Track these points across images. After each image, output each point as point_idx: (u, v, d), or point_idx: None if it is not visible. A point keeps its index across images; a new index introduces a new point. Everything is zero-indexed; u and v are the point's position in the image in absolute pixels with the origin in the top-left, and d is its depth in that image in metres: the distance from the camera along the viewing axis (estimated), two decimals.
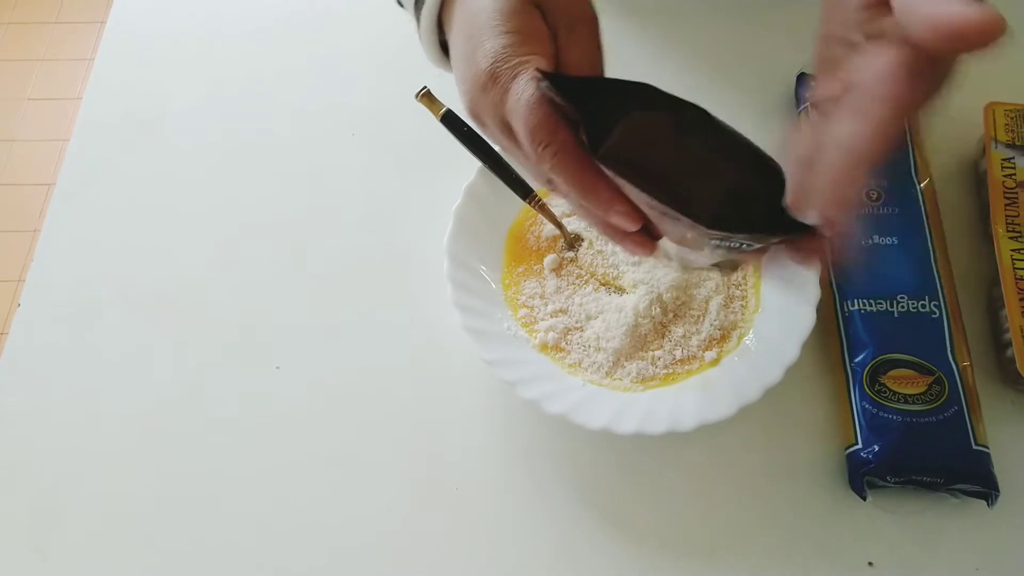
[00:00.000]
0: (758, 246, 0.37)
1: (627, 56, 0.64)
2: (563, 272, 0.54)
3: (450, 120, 0.51)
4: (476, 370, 0.52)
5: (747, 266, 0.53)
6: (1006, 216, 0.51)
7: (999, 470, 0.46)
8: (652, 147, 0.35)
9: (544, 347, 0.51)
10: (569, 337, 0.51)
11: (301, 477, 0.51)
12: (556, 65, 0.37)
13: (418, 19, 0.43)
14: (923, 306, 0.50)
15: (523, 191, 0.53)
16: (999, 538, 0.47)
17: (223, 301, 0.57)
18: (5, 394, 0.54)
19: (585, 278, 0.54)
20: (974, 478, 0.45)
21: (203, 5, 0.71)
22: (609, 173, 0.34)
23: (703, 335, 0.51)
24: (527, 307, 0.53)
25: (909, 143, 0.56)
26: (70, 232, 0.60)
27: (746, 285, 0.53)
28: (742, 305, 0.52)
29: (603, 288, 0.53)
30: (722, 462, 0.50)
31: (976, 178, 0.57)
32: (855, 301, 0.50)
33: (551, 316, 0.52)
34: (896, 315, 0.49)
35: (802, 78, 0.60)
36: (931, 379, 0.47)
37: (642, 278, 0.52)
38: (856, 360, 0.49)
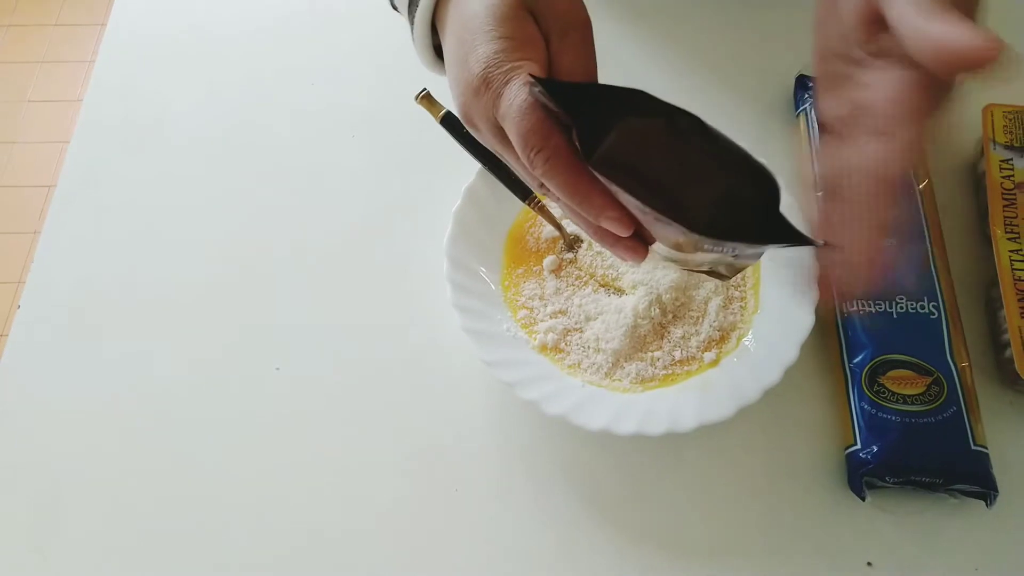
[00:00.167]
0: (750, 253, 0.37)
1: (625, 58, 0.65)
2: (562, 273, 0.54)
3: (450, 122, 0.52)
4: (476, 371, 0.52)
5: (745, 269, 0.53)
6: (1004, 217, 0.52)
7: (998, 470, 0.46)
8: (645, 153, 0.35)
9: (543, 348, 0.51)
10: (568, 338, 0.52)
11: (300, 477, 0.51)
12: (549, 70, 0.37)
13: (412, 22, 0.43)
14: (922, 307, 0.50)
15: (522, 193, 0.53)
16: (998, 538, 0.47)
17: (223, 302, 0.57)
18: (5, 395, 0.54)
19: (584, 279, 0.54)
20: (973, 478, 0.45)
21: (203, 7, 0.71)
22: (602, 179, 0.34)
23: (702, 336, 0.51)
24: (526, 308, 0.53)
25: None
26: (70, 234, 0.60)
27: (745, 286, 0.53)
28: (741, 306, 0.52)
29: (602, 289, 0.54)
30: (721, 463, 0.50)
31: (974, 179, 0.57)
32: (854, 302, 0.50)
33: (550, 317, 0.52)
34: (895, 316, 0.49)
35: (800, 80, 0.60)
36: (930, 380, 0.47)
37: (641, 279, 0.52)
38: (855, 361, 0.49)
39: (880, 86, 0.32)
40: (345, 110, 0.65)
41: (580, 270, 0.54)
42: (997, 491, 0.45)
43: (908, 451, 0.46)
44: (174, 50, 0.69)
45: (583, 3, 0.39)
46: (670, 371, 0.50)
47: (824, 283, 0.43)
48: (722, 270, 0.40)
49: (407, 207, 0.60)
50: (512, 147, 0.36)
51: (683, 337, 0.51)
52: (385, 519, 0.49)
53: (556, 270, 0.54)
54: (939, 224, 0.54)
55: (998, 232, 0.51)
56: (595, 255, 0.54)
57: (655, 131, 0.35)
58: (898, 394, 0.47)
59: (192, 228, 0.60)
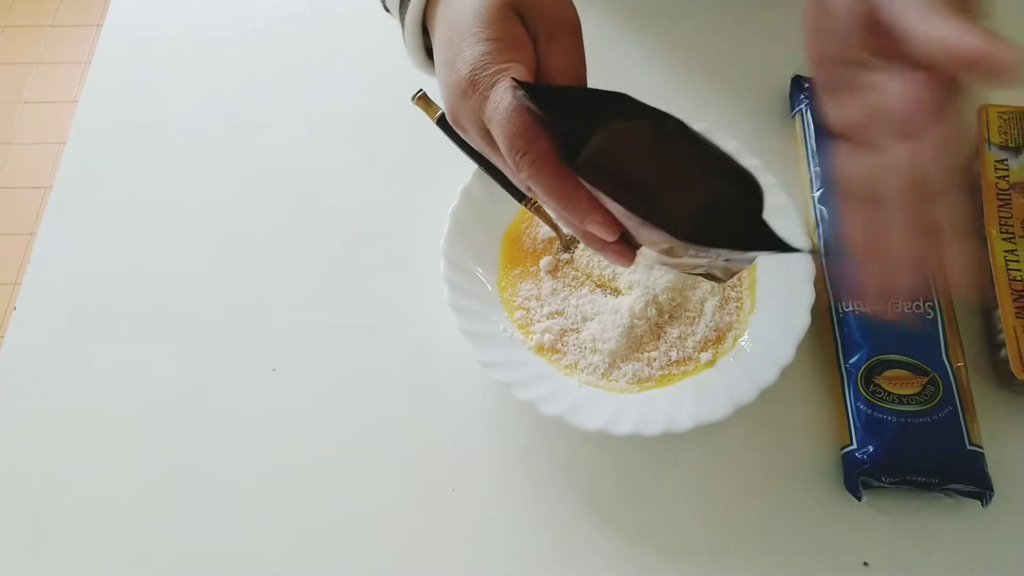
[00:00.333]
0: (739, 258, 0.37)
1: (618, 58, 0.65)
2: (559, 274, 0.54)
3: (446, 123, 0.51)
4: (472, 372, 0.52)
5: (741, 272, 0.53)
6: (999, 217, 0.52)
7: (993, 470, 0.46)
8: (628, 158, 0.35)
9: (540, 349, 0.51)
10: (565, 339, 0.52)
11: (297, 479, 0.51)
12: (537, 72, 0.37)
13: (403, 23, 0.43)
14: (917, 307, 0.50)
15: (519, 193, 0.53)
16: (993, 538, 0.47)
17: (219, 303, 0.57)
18: (1, 397, 0.54)
19: (581, 280, 0.54)
20: (968, 478, 0.46)
21: (199, 8, 0.71)
22: (586, 184, 0.34)
23: (699, 336, 0.51)
24: (523, 309, 0.53)
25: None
26: (66, 235, 0.60)
27: (741, 286, 0.53)
28: (737, 306, 0.52)
29: (599, 290, 0.54)
30: (718, 463, 0.50)
31: (969, 180, 0.57)
32: (850, 302, 0.51)
33: (547, 318, 0.52)
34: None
35: (796, 80, 0.61)
36: (925, 380, 0.47)
37: (638, 280, 0.52)
38: (851, 361, 0.49)
39: (892, 88, 0.32)
40: (342, 111, 0.65)
41: (576, 271, 0.54)
42: (993, 491, 0.45)
43: (904, 451, 0.46)
44: (170, 51, 0.69)
45: (572, 4, 0.39)
46: (667, 371, 0.50)
47: (863, 289, 0.42)
48: (717, 273, 0.40)
49: (404, 208, 0.60)
50: (499, 149, 0.36)
51: (679, 337, 0.51)
52: (382, 520, 0.49)
53: (552, 271, 0.54)
54: None
55: (993, 232, 0.51)
56: (591, 256, 0.54)
57: (639, 135, 0.35)
58: (894, 394, 0.47)
59: (188, 229, 0.60)
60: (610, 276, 0.54)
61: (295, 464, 0.51)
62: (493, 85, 0.35)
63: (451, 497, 0.50)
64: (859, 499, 0.47)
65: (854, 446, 0.47)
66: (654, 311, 0.51)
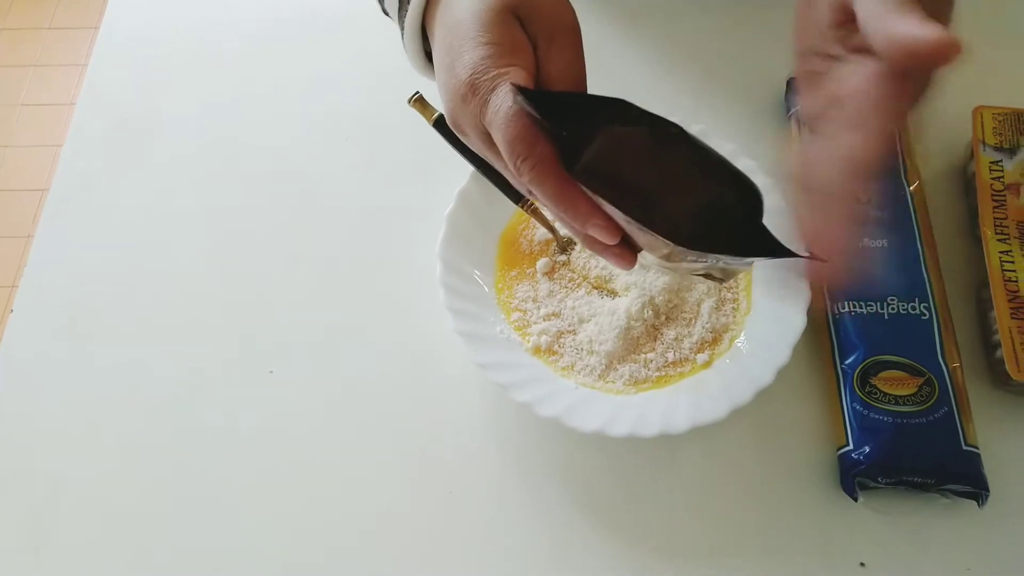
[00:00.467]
0: (737, 262, 0.37)
1: (616, 60, 0.65)
2: (556, 276, 0.54)
3: (442, 125, 0.52)
4: (469, 374, 0.52)
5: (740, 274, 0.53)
6: (994, 218, 0.52)
7: (989, 470, 0.46)
8: (627, 164, 0.35)
9: (537, 350, 0.51)
10: (562, 340, 0.52)
11: (296, 479, 0.51)
12: (537, 76, 0.37)
13: (402, 27, 0.43)
14: (913, 308, 0.50)
15: (515, 195, 0.53)
16: (989, 538, 0.47)
17: (216, 305, 0.57)
18: (0, 399, 0.54)
19: (577, 281, 0.54)
20: (964, 478, 0.46)
21: (197, 10, 0.71)
22: (585, 189, 0.34)
23: (695, 338, 0.51)
24: (520, 311, 0.53)
25: (899, 147, 0.56)
26: (64, 237, 0.60)
27: (737, 288, 0.53)
28: (733, 308, 0.52)
29: (595, 291, 0.54)
30: (714, 464, 0.50)
31: (965, 181, 0.58)
32: (845, 303, 0.51)
33: (544, 319, 0.52)
34: (886, 317, 0.50)
35: (792, 83, 0.61)
36: (921, 380, 0.48)
37: (634, 281, 0.52)
38: (847, 362, 0.49)
39: (851, 79, 0.33)
40: (339, 113, 0.65)
41: (573, 272, 0.54)
42: (988, 491, 0.46)
43: (900, 452, 0.46)
44: (169, 53, 0.69)
45: (571, 7, 0.39)
46: (663, 373, 0.50)
47: (812, 281, 0.43)
48: (716, 274, 0.40)
49: (400, 210, 0.60)
50: (500, 153, 0.36)
51: (676, 339, 0.51)
52: (379, 522, 0.49)
53: (549, 272, 0.54)
54: (930, 225, 0.54)
55: (988, 233, 0.51)
56: (588, 257, 0.54)
57: (638, 140, 0.35)
58: (890, 395, 0.47)
59: (186, 232, 0.60)
60: (607, 278, 0.54)
61: (295, 464, 0.51)
62: (493, 89, 0.35)
63: (448, 499, 0.50)
64: (855, 500, 0.47)
65: (850, 447, 0.47)
66: (650, 313, 0.51)
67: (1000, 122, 0.55)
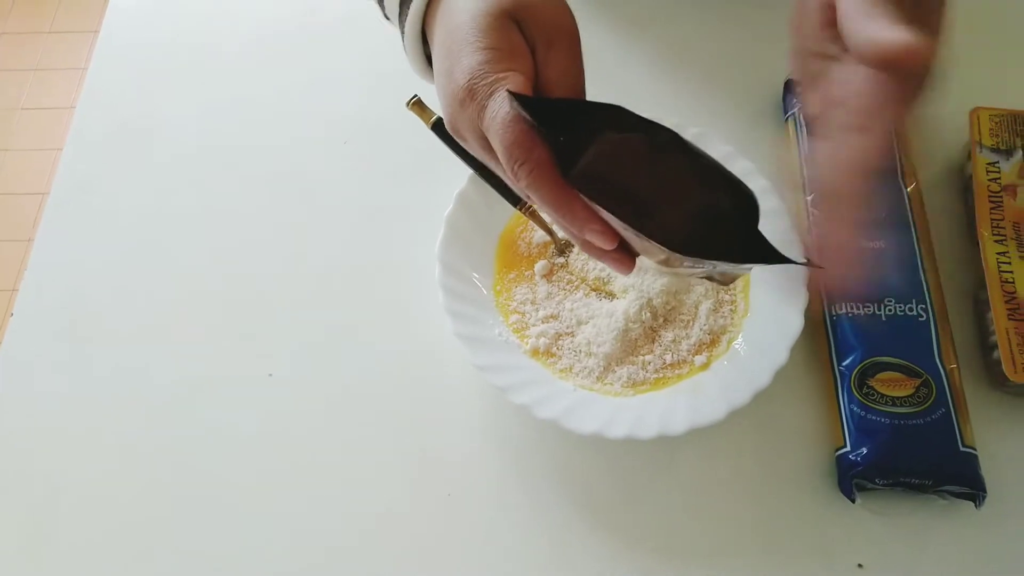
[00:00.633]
0: (731, 269, 0.37)
1: (613, 63, 0.65)
2: (554, 278, 0.54)
3: (441, 128, 0.52)
4: (468, 376, 0.52)
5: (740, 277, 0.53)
6: (991, 220, 0.52)
7: (986, 471, 0.46)
8: (623, 170, 0.35)
9: (535, 352, 0.51)
10: (560, 342, 0.52)
11: (296, 480, 0.51)
12: (536, 80, 0.37)
13: (402, 32, 0.43)
14: (910, 309, 0.50)
15: (514, 198, 0.53)
16: (987, 539, 0.47)
17: (215, 307, 0.57)
18: (0, 401, 0.54)
19: (576, 283, 0.54)
20: (962, 480, 0.46)
21: (196, 14, 0.71)
22: (581, 196, 0.34)
23: (693, 339, 0.51)
24: (518, 313, 0.53)
25: (895, 148, 0.56)
26: (64, 241, 0.60)
27: (735, 290, 0.53)
28: (731, 309, 0.52)
29: (594, 293, 0.54)
30: (712, 465, 0.50)
31: (962, 182, 0.58)
32: (843, 305, 0.51)
33: (542, 321, 0.52)
34: (884, 318, 0.50)
35: (789, 84, 0.61)
36: (919, 382, 0.48)
37: (632, 283, 0.52)
38: (844, 363, 0.49)
39: (850, 81, 0.33)
40: (338, 115, 0.65)
41: (571, 274, 0.54)
42: (986, 492, 0.46)
43: (897, 453, 0.46)
44: (167, 58, 0.69)
45: (570, 11, 0.39)
46: (661, 375, 0.50)
47: (814, 286, 0.43)
48: (716, 277, 0.40)
49: (399, 212, 0.60)
50: (498, 158, 0.37)
51: (674, 341, 0.51)
52: (379, 522, 0.49)
53: (548, 275, 0.54)
54: (927, 227, 0.54)
55: (985, 234, 0.52)
56: (586, 259, 0.54)
57: (634, 147, 0.35)
58: (887, 396, 0.47)
59: (185, 235, 0.60)
60: (605, 280, 0.54)
61: (295, 466, 0.51)
62: (491, 94, 0.35)
63: (447, 501, 0.50)
64: (853, 501, 0.47)
65: (848, 448, 0.47)
66: (648, 314, 0.51)
67: (997, 123, 0.55)
